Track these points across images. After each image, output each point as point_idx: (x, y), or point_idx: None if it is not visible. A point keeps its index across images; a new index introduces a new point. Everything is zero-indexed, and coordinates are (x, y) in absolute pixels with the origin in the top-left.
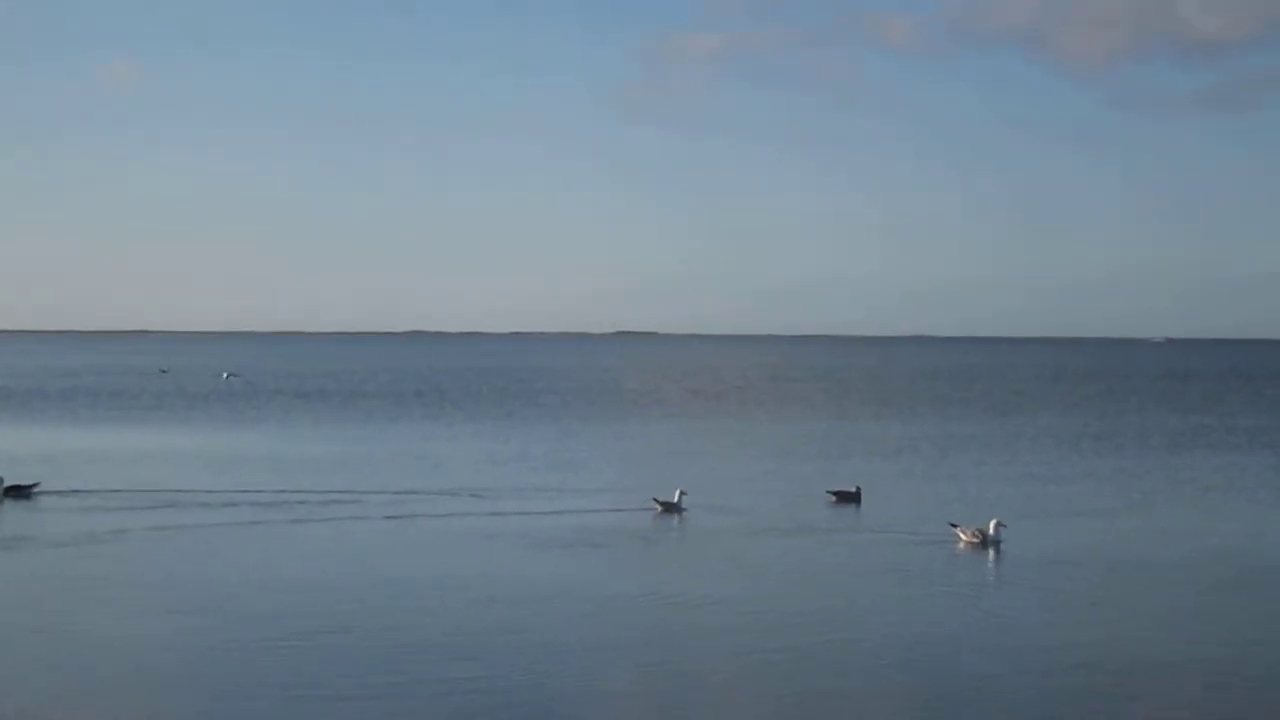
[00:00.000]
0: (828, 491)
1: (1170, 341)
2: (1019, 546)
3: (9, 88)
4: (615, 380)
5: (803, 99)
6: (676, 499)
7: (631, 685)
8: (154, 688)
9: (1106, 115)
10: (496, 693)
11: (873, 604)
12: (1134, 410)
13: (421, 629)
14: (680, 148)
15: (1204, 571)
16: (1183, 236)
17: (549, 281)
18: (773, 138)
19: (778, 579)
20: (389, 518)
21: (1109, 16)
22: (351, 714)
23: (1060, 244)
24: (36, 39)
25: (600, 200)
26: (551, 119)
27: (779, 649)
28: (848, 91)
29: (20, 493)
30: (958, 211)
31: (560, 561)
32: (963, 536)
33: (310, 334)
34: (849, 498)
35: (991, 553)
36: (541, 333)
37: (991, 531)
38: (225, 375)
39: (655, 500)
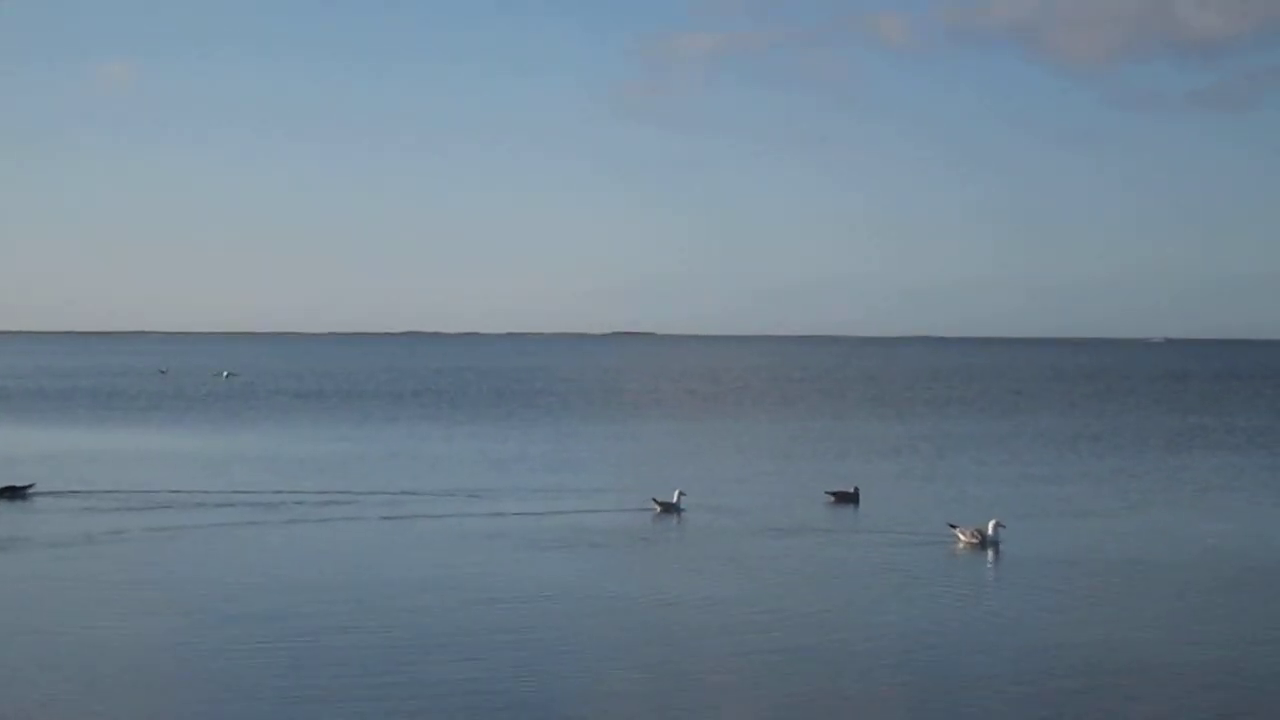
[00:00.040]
0: (826, 492)
1: (1169, 342)
2: (1018, 547)
3: (9, 88)
4: (614, 380)
5: (801, 99)
6: (675, 499)
7: (631, 685)
8: (152, 688)
9: (1105, 115)
10: (495, 693)
11: (871, 604)
12: (1133, 410)
13: (420, 629)
14: (678, 147)
15: (1203, 571)
16: (1182, 236)
17: (547, 282)
18: (771, 137)
19: (776, 579)
20: (387, 518)
21: (1107, 16)
22: (351, 714)
23: (1059, 244)
24: (36, 39)
25: (598, 200)
26: (550, 119)
27: (778, 649)
28: (846, 91)
29: (15, 494)
30: (957, 211)
31: (559, 562)
32: (961, 537)
33: (309, 334)
34: (847, 498)
35: (990, 553)
36: (540, 333)
37: (990, 532)
38: (225, 374)
39: (654, 500)
